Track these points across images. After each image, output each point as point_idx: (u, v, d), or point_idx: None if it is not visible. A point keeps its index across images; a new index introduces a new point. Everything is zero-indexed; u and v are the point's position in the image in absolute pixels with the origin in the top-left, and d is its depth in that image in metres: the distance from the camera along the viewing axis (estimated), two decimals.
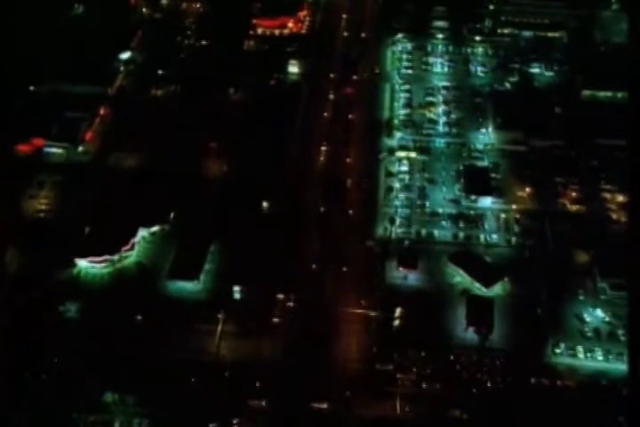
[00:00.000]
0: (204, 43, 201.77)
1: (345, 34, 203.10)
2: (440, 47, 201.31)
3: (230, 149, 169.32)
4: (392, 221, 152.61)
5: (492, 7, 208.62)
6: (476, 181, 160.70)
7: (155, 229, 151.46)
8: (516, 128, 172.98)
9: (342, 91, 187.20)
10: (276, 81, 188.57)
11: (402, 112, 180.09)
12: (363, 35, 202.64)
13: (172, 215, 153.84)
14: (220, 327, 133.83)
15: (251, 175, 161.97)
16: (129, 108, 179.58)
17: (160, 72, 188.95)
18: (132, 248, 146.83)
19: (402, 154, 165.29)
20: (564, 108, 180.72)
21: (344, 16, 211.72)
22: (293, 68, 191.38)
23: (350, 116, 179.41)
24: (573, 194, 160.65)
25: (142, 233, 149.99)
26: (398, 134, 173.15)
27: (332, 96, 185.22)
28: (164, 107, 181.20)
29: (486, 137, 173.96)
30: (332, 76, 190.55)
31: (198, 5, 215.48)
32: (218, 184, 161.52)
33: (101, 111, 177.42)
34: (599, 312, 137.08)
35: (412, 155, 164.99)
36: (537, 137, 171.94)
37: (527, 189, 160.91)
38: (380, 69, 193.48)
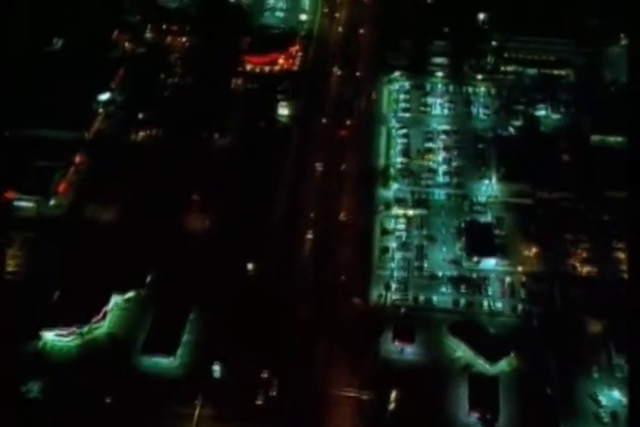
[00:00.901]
0: (189, 80, 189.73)
1: (339, 73, 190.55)
2: (439, 86, 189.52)
3: (214, 201, 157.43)
4: (387, 287, 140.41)
5: (494, 43, 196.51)
6: (479, 240, 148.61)
7: (129, 294, 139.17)
8: (521, 179, 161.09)
9: (336, 134, 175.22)
10: (264, 124, 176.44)
11: (399, 160, 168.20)
12: (357, 73, 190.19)
13: (148, 278, 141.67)
14: (197, 412, 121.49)
15: (235, 232, 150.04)
16: (107, 155, 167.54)
17: (141, 115, 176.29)
18: (103, 318, 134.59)
19: (399, 211, 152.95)
20: (572, 156, 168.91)
21: (338, 51, 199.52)
22: (283, 111, 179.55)
23: (344, 163, 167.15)
24: (584, 254, 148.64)
25: (115, 299, 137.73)
26: (395, 186, 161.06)
27: (324, 141, 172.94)
28: (144, 153, 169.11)
29: (489, 188, 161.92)
30: (324, 119, 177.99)
31: (184, 39, 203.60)
32: (200, 242, 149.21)
33: (77, 159, 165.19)
34: (616, 393, 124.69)
35: (410, 212, 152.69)
36: (544, 189, 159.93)
37: (534, 249, 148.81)
38: (375, 111, 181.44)
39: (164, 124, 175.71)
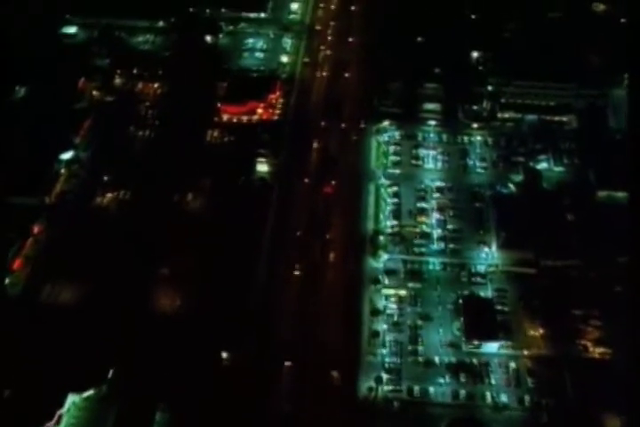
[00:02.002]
0: (160, 133, 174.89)
1: (322, 123, 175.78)
2: (432, 136, 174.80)
3: (185, 276, 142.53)
4: (378, 380, 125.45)
5: (490, 88, 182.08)
6: (479, 320, 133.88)
7: (89, 392, 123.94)
8: (523, 246, 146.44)
9: (319, 194, 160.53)
10: (242, 183, 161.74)
11: (389, 223, 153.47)
12: (343, 125, 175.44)
13: (110, 372, 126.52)
14: None
15: (209, 313, 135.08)
16: (69, 223, 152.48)
17: (107, 177, 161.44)
18: (57, 422, 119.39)
19: (390, 291, 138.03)
20: (578, 215, 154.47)
21: (322, 98, 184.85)
22: (263, 167, 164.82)
23: (328, 230, 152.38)
24: (596, 332, 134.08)
25: (73, 399, 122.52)
26: (384, 256, 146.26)
27: (307, 202, 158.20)
28: (110, 219, 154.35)
29: (489, 256, 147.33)
30: (307, 177, 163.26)
31: (156, 85, 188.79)
32: (168, 326, 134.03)
33: (35, 229, 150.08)
34: None
35: (402, 292, 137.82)
36: (548, 256, 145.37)
37: (540, 329, 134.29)
38: (362, 166, 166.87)
39: (133, 185, 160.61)
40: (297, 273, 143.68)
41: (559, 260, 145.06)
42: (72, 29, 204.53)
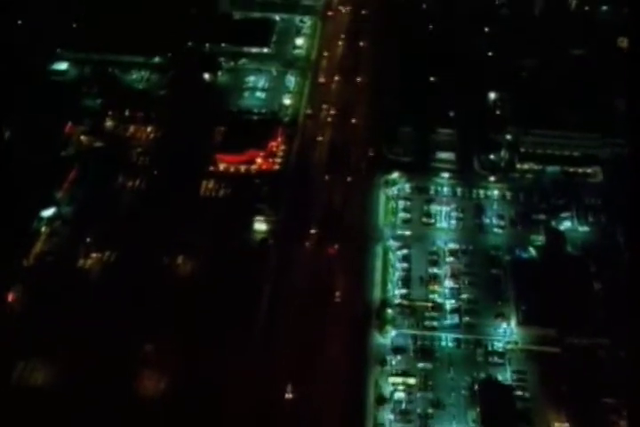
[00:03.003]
0: (151, 184, 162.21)
1: (326, 177, 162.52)
2: (445, 189, 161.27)
3: (172, 353, 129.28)
4: None
5: (508, 137, 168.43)
6: (497, 411, 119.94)
7: None
8: (545, 321, 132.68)
9: (323, 254, 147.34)
10: (238, 244, 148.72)
11: (398, 292, 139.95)
12: (349, 178, 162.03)
13: None
14: None
15: (197, 397, 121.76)
16: (46, 288, 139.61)
17: (91, 237, 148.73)
18: None
19: (397, 380, 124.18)
20: (606, 284, 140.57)
21: (326, 145, 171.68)
22: (261, 226, 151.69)
23: (331, 296, 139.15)
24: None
25: None
26: (393, 332, 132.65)
27: (308, 266, 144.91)
28: (93, 284, 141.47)
29: (508, 332, 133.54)
30: (309, 237, 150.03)
31: (149, 129, 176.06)
32: (151, 417, 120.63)
33: (9, 297, 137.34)
34: None
35: (411, 381, 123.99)
36: (573, 332, 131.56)
37: (565, 422, 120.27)
38: (370, 224, 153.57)
39: (119, 246, 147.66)
40: (295, 353, 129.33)
41: (586, 337, 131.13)
42: (63, 66, 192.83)
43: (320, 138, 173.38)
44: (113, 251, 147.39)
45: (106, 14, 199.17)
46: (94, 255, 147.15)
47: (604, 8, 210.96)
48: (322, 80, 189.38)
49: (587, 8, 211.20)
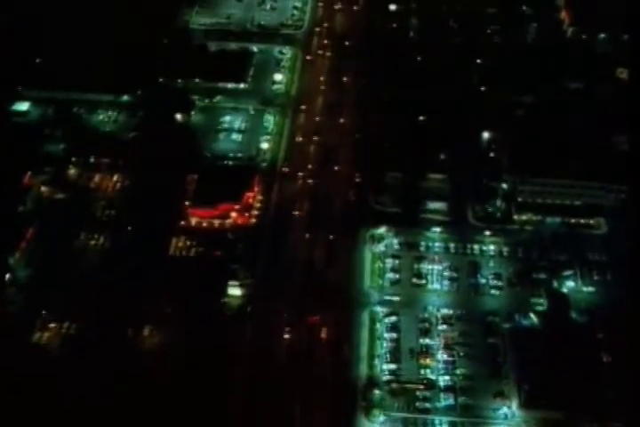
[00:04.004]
0: (116, 241, 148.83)
1: (307, 235, 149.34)
2: (437, 245, 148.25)
3: None
4: None
5: (504, 186, 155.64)
6: None
7: None
8: (550, 402, 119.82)
9: (303, 322, 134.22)
10: (209, 313, 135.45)
11: (385, 368, 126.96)
12: (331, 236, 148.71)
13: None
14: None
15: None
16: None
17: (47, 309, 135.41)
18: None
19: None
20: (616, 357, 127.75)
21: (307, 195, 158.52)
22: (235, 291, 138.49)
23: (312, 374, 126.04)
24: None
25: None
26: (381, 417, 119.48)
27: (287, 335, 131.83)
28: (50, 361, 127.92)
29: (509, 414, 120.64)
30: (287, 304, 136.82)
31: (116, 177, 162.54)
32: None
33: None
34: None
35: None
36: (582, 415, 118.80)
37: None
38: (354, 287, 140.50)
39: (79, 316, 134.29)
40: None
41: (596, 421, 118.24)
42: (24, 106, 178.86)
43: (300, 186, 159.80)
44: (73, 321, 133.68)
45: (71, 48, 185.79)
46: (52, 326, 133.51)
47: (602, 36, 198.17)
48: (302, 120, 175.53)
49: (584, 36, 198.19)
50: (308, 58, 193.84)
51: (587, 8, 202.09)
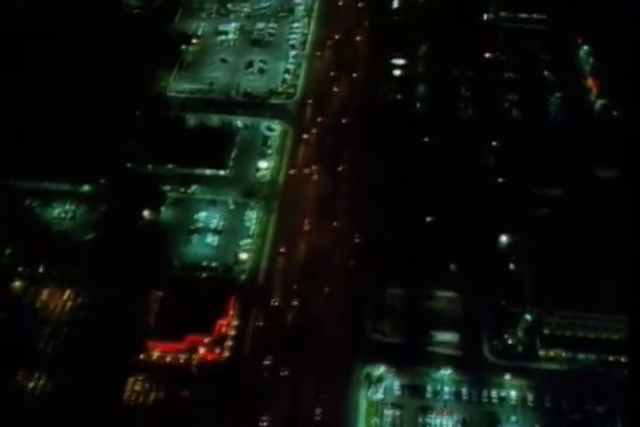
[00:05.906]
0: (59, 383, 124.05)
1: (287, 373, 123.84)
2: (446, 389, 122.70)
3: None
4: None
5: (528, 317, 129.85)
6: None
7: None
8: None
9: None
10: None
11: None
12: (319, 378, 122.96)
13: None
14: None
15: None
16: None
17: None
18: None
19: None
20: None
21: (291, 321, 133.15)
22: None
23: None
24: None
25: None
26: None
27: None
28: None
29: None
30: None
31: (67, 294, 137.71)
32: None
33: None
34: None
35: None
36: None
37: None
38: None
39: None
40: None
41: None
42: None
43: (282, 308, 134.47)
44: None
45: (24, 128, 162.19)
46: None
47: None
48: (290, 220, 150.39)
49: (614, 113, 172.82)
50: (300, 136, 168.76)
51: (616, 76, 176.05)
